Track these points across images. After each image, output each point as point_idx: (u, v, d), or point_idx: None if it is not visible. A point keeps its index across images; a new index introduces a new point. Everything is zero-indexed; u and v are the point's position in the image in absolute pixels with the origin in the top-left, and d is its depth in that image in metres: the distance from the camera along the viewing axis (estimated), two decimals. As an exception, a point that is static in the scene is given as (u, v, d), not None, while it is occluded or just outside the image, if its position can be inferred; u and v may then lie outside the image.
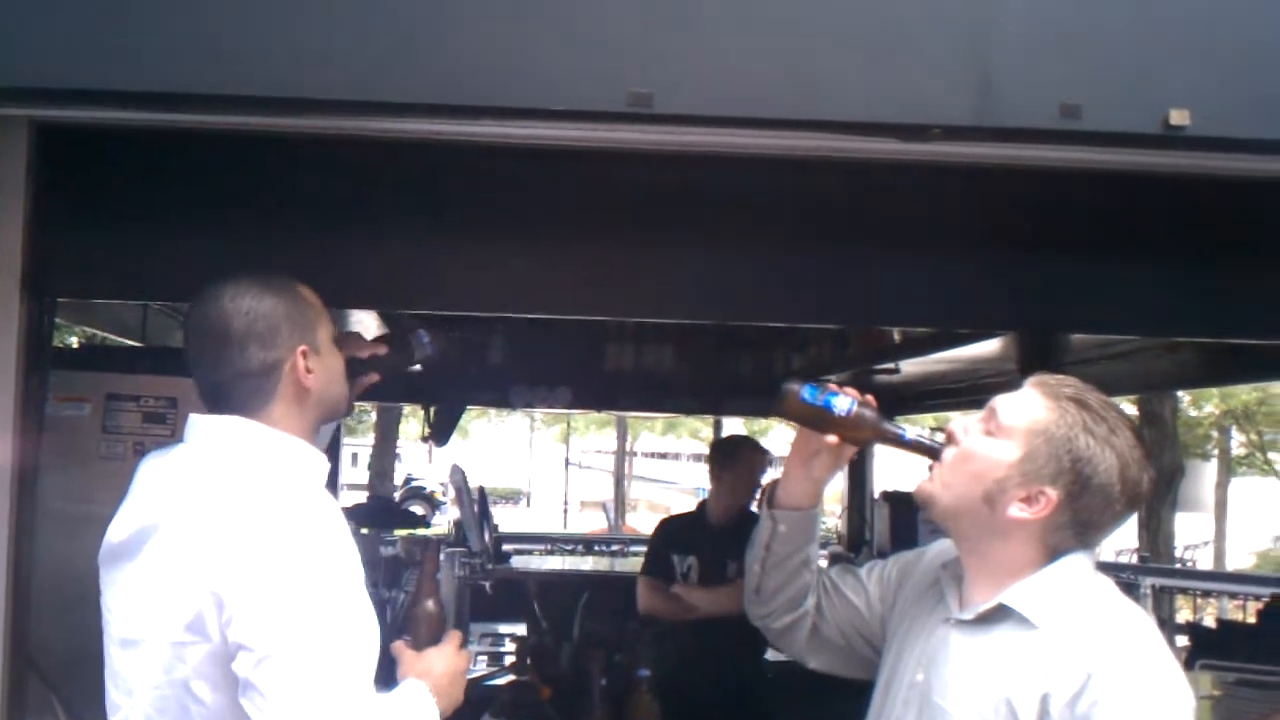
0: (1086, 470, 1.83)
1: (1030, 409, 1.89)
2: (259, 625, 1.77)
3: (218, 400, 2.01)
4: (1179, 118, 2.21)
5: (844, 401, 2.04)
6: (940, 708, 1.87)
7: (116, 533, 1.96)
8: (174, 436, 2.88)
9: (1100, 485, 1.83)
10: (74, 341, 6.44)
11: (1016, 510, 1.85)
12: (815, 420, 2.07)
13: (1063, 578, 1.86)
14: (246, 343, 1.97)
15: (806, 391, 2.05)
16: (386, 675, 2.02)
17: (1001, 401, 1.94)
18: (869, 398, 2.06)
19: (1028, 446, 1.86)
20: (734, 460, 5.00)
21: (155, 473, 2.01)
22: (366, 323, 4.17)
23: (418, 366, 2.52)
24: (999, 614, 1.85)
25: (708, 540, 4.93)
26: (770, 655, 5.32)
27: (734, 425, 24.47)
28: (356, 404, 2.36)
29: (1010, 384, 5.59)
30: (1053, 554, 1.88)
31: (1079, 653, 1.74)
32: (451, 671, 2.10)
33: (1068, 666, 1.73)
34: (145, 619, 1.88)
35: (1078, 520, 1.85)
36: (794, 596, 2.20)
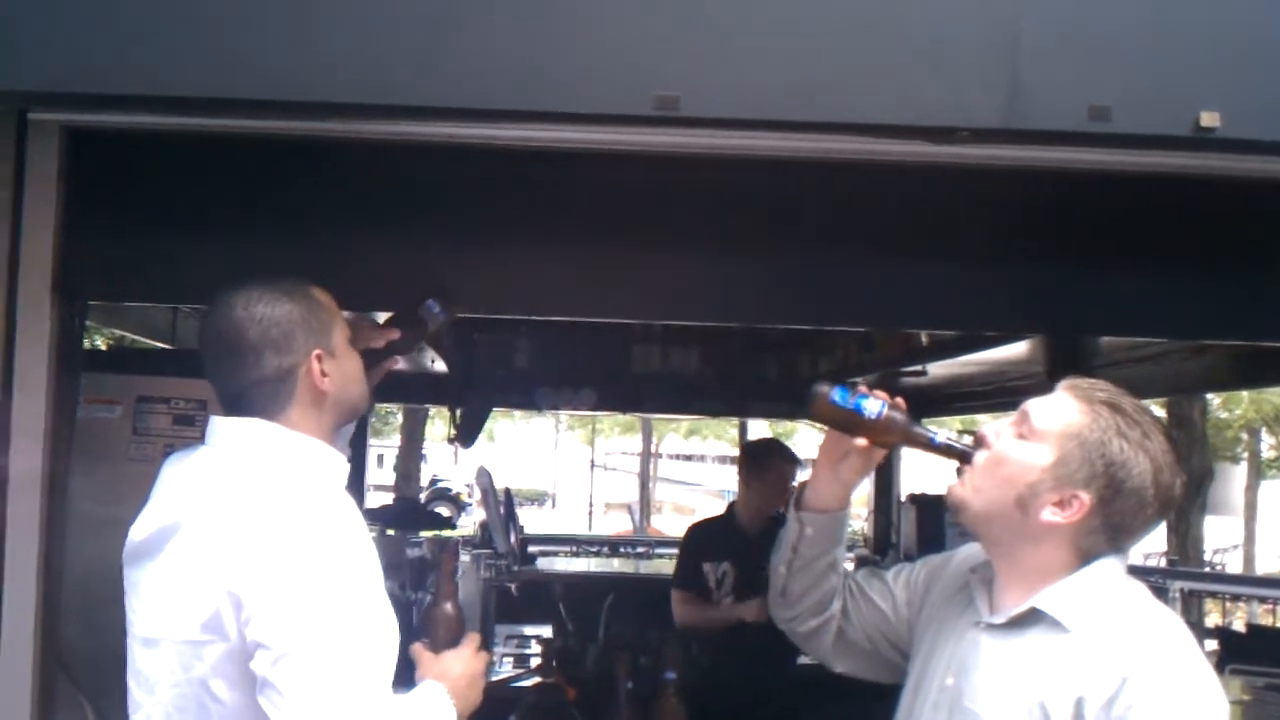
0: (1120, 474, 1.81)
1: (1064, 412, 1.88)
2: (277, 624, 1.79)
3: (237, 405, 2.03)
4: (1209, 119, 2.19)
5: (874, 404, 2.03)
6: (972, 712, 1.86)
7: (139, 532, 1.99)
8: (204, 439, 2.91)
9: (1134, 489, 1.82)
10: (102, 344, 6.48)
11: (1049, 514, 1.84)
12: (845, 423, 2.06)
13: (1095, 581, 1.85)
14: (261, 349, 2.00)
15: (837, 394, 2.04)
16: (406, 677, 2.03)
17: (1034, 405, 1.92)
18: (899, 400, 2.05)
19: (1061, 450, 1.84)
20: (764, 469, 4.98)
21: (177, 473, 2.03)
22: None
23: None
24: (1031, 617, 1.84)
25: (741, 546, 4.92)
26: (801, 659, 5.33)
27: (759, 427, 24.45)
28: (382, 405, 2.38)
29: (1038, 386, 5.55)
30: (1085, 557, 1.87)
31: (1113, 656, 1.73)
32: (469, 673, 2.11)
33: (1102, 670, 1.72)
34: (165, 617, 1.90)
35: (1110, 524, 1.84)
36: (820, 600, 2.20)
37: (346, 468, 2.10)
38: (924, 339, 4.71)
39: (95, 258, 2.64)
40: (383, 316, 2.50)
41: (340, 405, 2.10)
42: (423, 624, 2.36)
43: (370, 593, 1.91)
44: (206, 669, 1.85)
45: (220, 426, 2.03)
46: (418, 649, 2.15)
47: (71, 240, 2.56)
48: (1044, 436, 1.87)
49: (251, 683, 1.81)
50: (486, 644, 3.00)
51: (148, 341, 4.85)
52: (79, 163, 2.53)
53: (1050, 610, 1.82)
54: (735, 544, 4.96)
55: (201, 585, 1.84)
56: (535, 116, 2.25)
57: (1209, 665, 1.78)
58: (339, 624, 1.81)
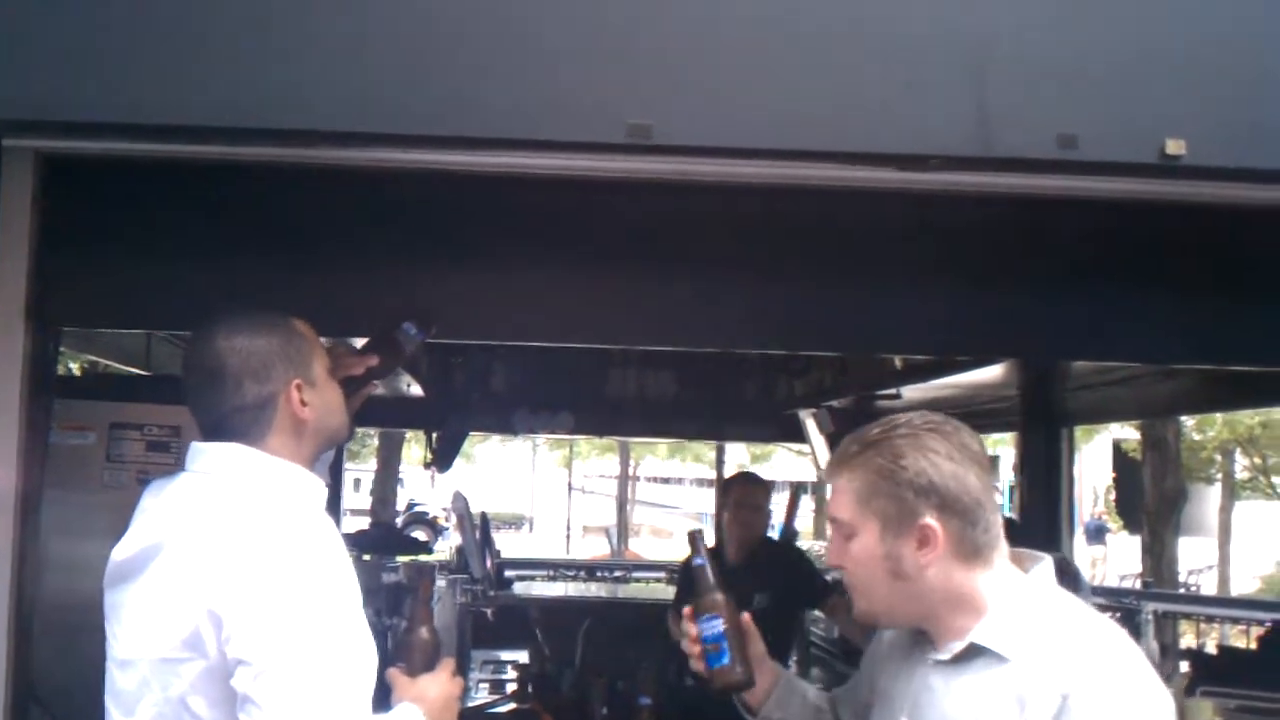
0: (922, 480, 1.83)
1: (847, 493, 1.91)
2: (257, 641, 1.80)
3: (217, 433, 2.05)
4: (1175, 147, 2.22)
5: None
6: None
7: (120, 555, 2.00)
8: (178, 465, 2.90)
9: (945, 482, 1.83)
10: (77, 370, 6.45)
11: (922, 559, 1.85)
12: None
13: (1025, 604, 1.85)
14: (241, 378, 2.02)
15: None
16: (382, 702, 2.04)
17: (831, 508, 1.96)
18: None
19: (874, 514, 1.87)
20: (727, 494, 5.03)
21: (158, 498, 2.04)
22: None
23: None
24: (973, 652, 1.84)
25: (726, 578, 4.92)
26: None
27: (737, 450, 24.47)
28: (359, 429, 2.39)
29: (1011, 410, 5.60)
30: (986, 568, 1.87)
31: (1052, 677, 1.73)
32: (445, 697, 2.13)
33: (1043, 692, 1.72)
34: (144, 636, 1.91)
35: (969, 520, 1.84)
36: None
37: (325, 491, 2.12)
38: (899, 362, 4.74)
39: (69, 283, 2.64)
40: (359, 342, 2.51)
41: (320, 434, 2.12)
42: (399, 649, 2.37)
43: (349, 613, 1.92)
44: (185, 687, 1.86)
45: (200, 452, 2.05)
46: (394, 673, 2.16)
47: (45, 266, 2.56)
48: (856, 520, 1.89)
49: (231, 701, 1.82)
50: (462, 669, 3.00)
51: (122, 367, 4.84)
52: (53, 189, 2.53)
53: (987, 643, 1.82)
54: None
55: (182, 604, 1.85)
56: (511, 144, 2.26)
57: (1149, 670, 1.77)
58: (319, 641, 1.82)
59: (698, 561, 2.33)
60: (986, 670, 1.81)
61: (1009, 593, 1.86)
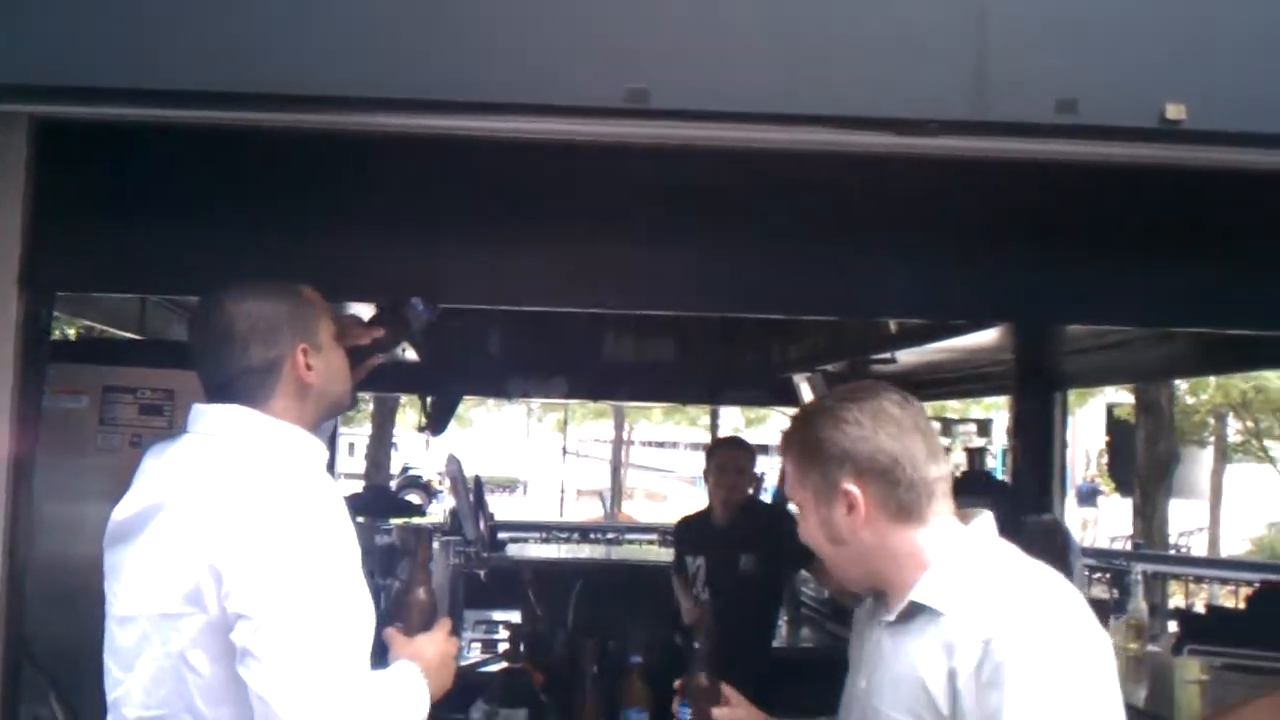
0: (835, 449, 1.94)
1: (788, 475, 2.07)
2: (257, 595, 1.82)
3: (221, 395, 2.07)
4: (1175, 112, 2.21)
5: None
6: (877, 710, 1.92)
7: (121, 515, 2.02)
8: (171, 429, 2.91)
9: (852, 446, 1.93)
10: (71, 334, 6.43)
11: (852, 521, 1.94)
12: None
13: (961, 559, 1.91)
14: (249, 342, 2.06)
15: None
16: (379, 661, 2.06)
17: (787, 494, 2.09)
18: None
19: (808, 489, 1.99)
20: (711, 461, 5.08)
21: (160, 459, 2.06)
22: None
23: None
24: (914, 609, 1.90)
25: (714, 540, 5.00)
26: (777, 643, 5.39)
27: (731, 414, 24.47)
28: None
29: (1006, 374, 5.61)
30: (921, 525, 1.93)
31: (976, 624, 1.78)
32: (441, 655, 2.16)
33: (967, 639, 1.77)
34: (144, 592, 1.93)
35: (888, 479, 1.92)
36: None
37: (326, 454, 2.15)
38: (893, 326, 4.73)
39: (62, 248, 2.63)
40: (366, 313, 2.50)
41: (324, 399, 2.15)
42: (396, 609, 2.41)
43: (348, 571, 1.95)
44: (185, 642, 1.88)
45: (202, 413, 2.08)
46: (391, 632, 2.20)
47: (39, 231, 2.55)
48: (799, 499, 2.03)
49: (230, 655, 1.84)
50: (456, 630, 3.01)
51: (115, 332, 4.83)
52: (47, 153, 2.51)
53: (925, 600, 1.88)
54: (708, 537, 5.05)
55: (183, 559, 1.88)
56: (508, 109, 2.24)
57: (1079, 614, 1.80)
58: (318, 595, 1.85)
59: (696, 645, 2.48)
60: (925, 626, 1.87)
61: (948, 548, 1.92)
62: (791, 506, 2.15)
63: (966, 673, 1.75)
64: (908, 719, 1.84)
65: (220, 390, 2.08)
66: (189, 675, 1.89)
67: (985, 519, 1.98)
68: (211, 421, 2.06)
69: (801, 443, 2.01)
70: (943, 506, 1.96)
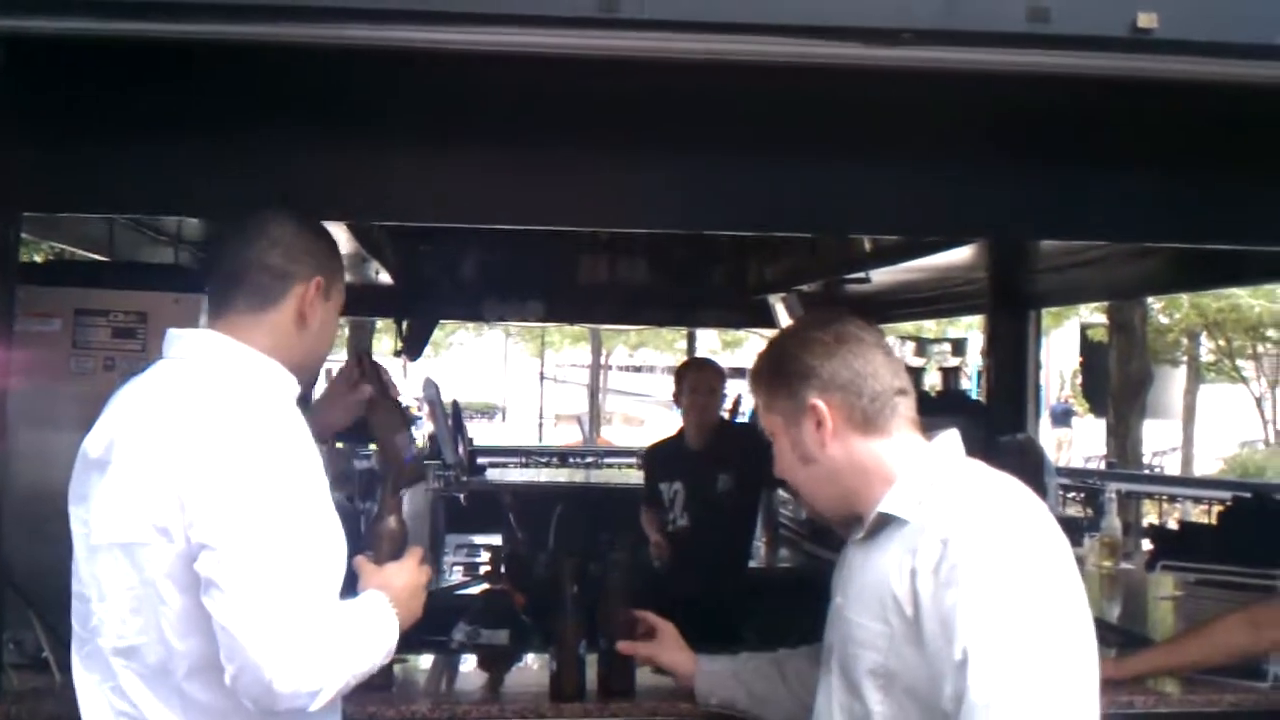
0: (799, 367, 2.02)
1: (759, 405, 2.13)
2: (220, 524, 1.82)
3: (225, 290, 2.08)
4: (1147, 21, 2.20)
5: None
6: (850, 621, 1.97)
7: (91, 441, 2.00)
8: (144, 351, 2.89)
9: (816, 361, 2.01)
10: (38, 258, 6.37)
11: (820, 436, 2.00)
12: None
13: (927, 471, 1.96)
14: (277, 245, 2.09)
15: None
16: (349, 591, 2.06)
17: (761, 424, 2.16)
18: None
19: (778, 413, 2.07)
20: (682, 380, 5.10)
21: (133, 385, 2.04)
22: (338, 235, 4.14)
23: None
24: (882, 521, 1.96)
25: (689, 464, 5.02)
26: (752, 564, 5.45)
27: (708, 337, 24.48)
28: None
29: (980, 293, 5.62)
30: (884, 436, 1.99)
31: (936, 526, 1.84)
32: (411, 585, 2.15)
33: (927, 541, 1.83)
34: (116, 522, 1.92)
35: (851, 391, 1.99)
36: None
37: (297, 388, 2.12)
38: (868, 245, 4.73)
39: (31, 168, 2.60)
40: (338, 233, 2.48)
41: (305, 349, 2.14)
42: (367, 538, 2.39)
43: (313, 502, 1.95)
44: (156, 571, 1.88)
45: (176, 338, 2.06)
46: (360, 561, 2.18)
47: (5, 150, 2.51)
48: (770, 425, 2.10)
49: (197, 586, 1.84)
50: (435, 553, 3.03)
51: (85, 254, 4.78)
52: (11, 70, 2.47)
53: (891, 510, 1.94)
54: (684, 462, 5.07)
55: (150, 488, 1.87)
56: (478, 19, 2.22)
57: (1040, 516, 1.86)
58: (280, 525, 1.84)
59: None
60: (892, 535, 1.93)
61: (913, 461, 1.98)
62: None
63: (926, 571, 1.80)
64: (877, 624, 1.88)
65: (225, 285, 2.08)
66: (159, 606, 1.89)
67: (951, 435, 2.03)
68: (184, 345, 2.04)
69: (770, 370, 2.09)
70: (906, 422, 2.02)
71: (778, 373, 2.06)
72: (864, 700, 1.91)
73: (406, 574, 2.15)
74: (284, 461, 1.90)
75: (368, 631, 1.98)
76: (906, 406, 2.02)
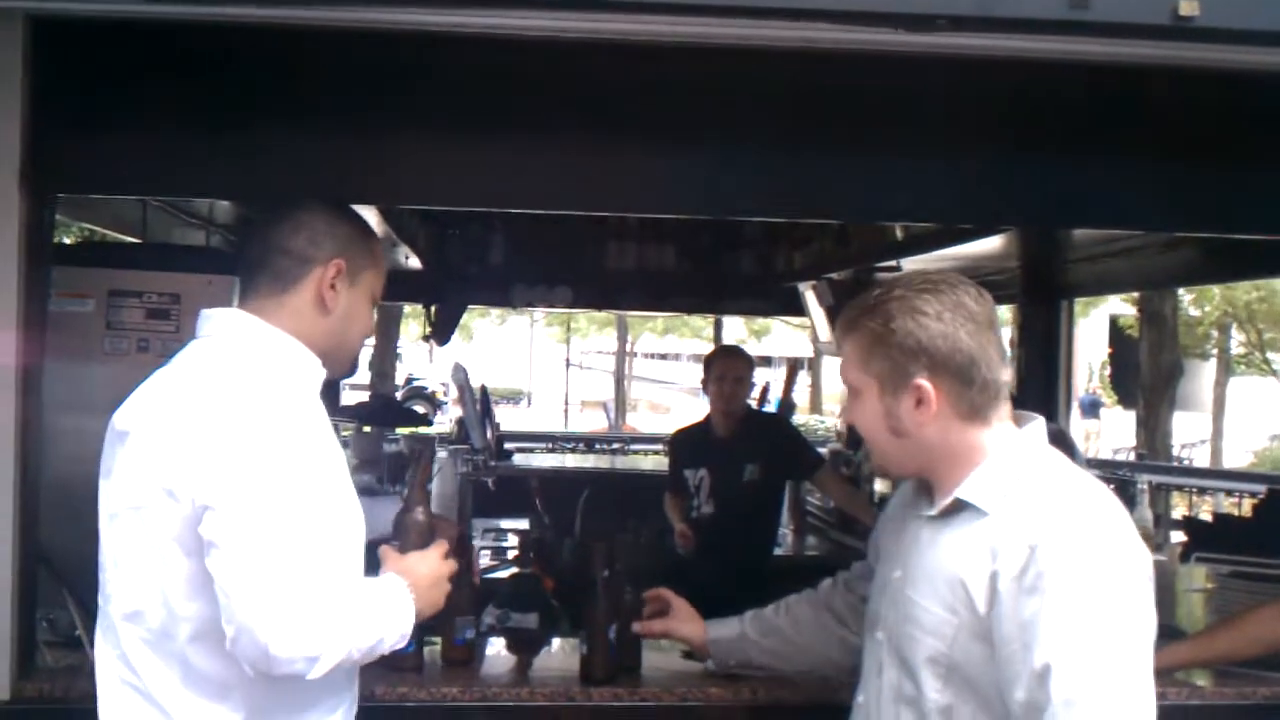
0: (910, 342, 1.90)
1: (849, 357, 2.01)
2: (221, 486, 1.84)
3: (250, 274, 2.11)
4: (1188, 8, 2.17)
5: None
6: (911, 600, 1.93)
7: (118, 418, 2.01)
8: (178, 332, 2.90)
9: (930, 341, 1.89)
10: (70, 240, 6.42)
11: (919, 417, 1.92)
12: None
13: (1010, 462, 1.91)
14: (300, 229, 2.11)
15: None
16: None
17: (841, 370, 2.06)
18: None
19: (873, 375, 1.96)
20: (710, 369, 5.07)
21: (166, 365, 2.06)
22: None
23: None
24: (958, 507, 1.91)
25: (716, 451, 5.01)
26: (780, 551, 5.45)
27: (735, 325, 24.44)
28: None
29: (1010, 281, 5.57)
30: (985, 426, 1.93)
31: (1023, 529, 1.79)
32: (433, 575, 2.14)
33: (1013, 543, 1.78)
34: (129, 487, 1.94)
35: (963, 379, 1.90)
36: (839, 639, 2.42)
37: (322, 372, 2.14)
38: (899, 233, 4.71)
39: (64, 149, 2.61)
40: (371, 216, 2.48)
41: (333, 336, 2.15)
42: (394, 529, 2.39)
43: (325, 476, 1.98)
44: (164, 535, 1.90)
45: (207, 318, 2.10)
46: (385, 550, 2.19)
47: (39, 132, 2.53)
48: (859, 383, 1.99)
49: (201, 550, 1.86)
50: (463, 537, 3.04)
51: (118, 235, 4.81)
52: (45, 52, 2.49)
53: (970, 498, 1.89)
54: (710, 450, 5.06)
55: (161, 452, 1.90)
56: (504, 2, 2.22)
57: (1125, 527, 1.81)
58: (283, 492, 1.86)
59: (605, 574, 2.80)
60: (968, 524, 1.88)
61: (1000, 450, 1.91)
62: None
63: (1009, 576, 1.77)
64: (943, 612, 1.86)
65: (250, 266, 2.11)
66: (164, 570, 1.91)
67: (1038, 424, 1.98)
68: (214, 324, 2.08)
69: (872, 327, 1.94)
70: (1005, 409, 1.96)
71: (880, 335, 1.93)
72: (919, 685, 1.90)
73: (429, 565, 2.15)
74: (294, 433, 1.93)
75: (376, 609, 1.98)
76: (1007, 392, 1.96)
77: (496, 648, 3.02)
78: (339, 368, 2.21)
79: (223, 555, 1.82)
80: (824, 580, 2.52)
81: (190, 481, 1.86)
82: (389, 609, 2.00)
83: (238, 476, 1.84)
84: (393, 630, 1.99)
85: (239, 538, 1.82)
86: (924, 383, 1.90)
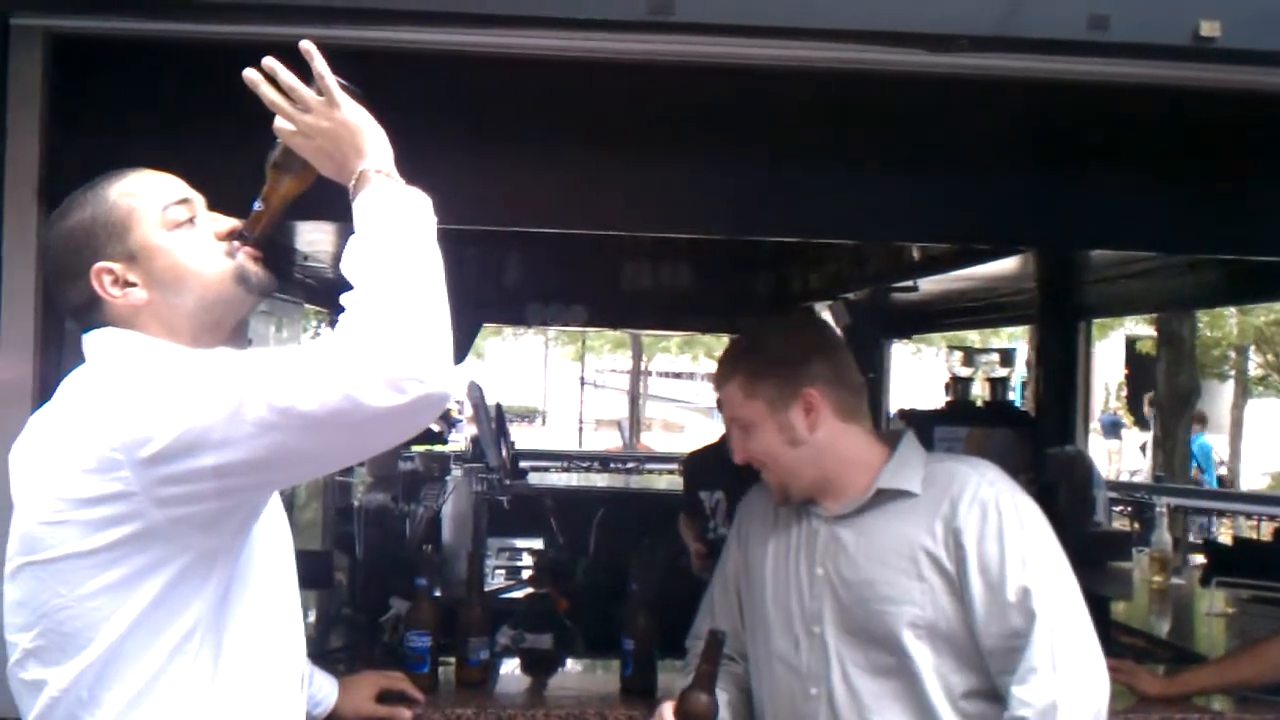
0: (794, 356, 2.24)
1: (732, 400, 2.30)
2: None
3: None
4: (1209, 29, 2.17)
5: None
6: (868, 582, 2.15)
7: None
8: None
9: (806, 351, 2.25)
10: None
11: (811, 421, 2.22)
12: None
13: (911, 456, 2.23)
14: (58, 278, 1.76)
15: None
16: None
17: (725, 413, 2.35)
18: None
19: (762, 400, 2.24)
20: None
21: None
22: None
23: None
24: (877, 498, 2.19)
25: (731, 473, 4.96)
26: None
27: (749, 345, 24.28)
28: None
29: (1028, 303, 5.55)
30: (858, 426, 2.26)
31: (968, 493, 2.12)
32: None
33: (965, 505, 2.11)
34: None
35: (839, 381, 2.24)
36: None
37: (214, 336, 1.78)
38: (916, 254, 4.70)
39: (82, 165, 2.61)
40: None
41: (186, 304, 1.74)
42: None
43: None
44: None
45: (83, 341, 1.76)
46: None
47: (57, 147, 2.54)
48: (748, 415, 2.27)
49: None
50: (478, 555, 3.03)
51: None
52: (63, 68, 2.49)
53: (894, 486, 2.18)
54: (726, 472, 4.99)
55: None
56: (527, 22, 2.22)
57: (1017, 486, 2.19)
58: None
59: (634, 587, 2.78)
60: (901, 505, 2.17)
61: (897, 454, 2.23)
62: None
63: (971, 532, 2.08)
64: (911, 581, 2.11)
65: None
66: None
67: (910, 433, 2.30)
68: (86, 349, 1.74)
69: (753, 360, 2.26)
70: (866, 415, 2.30)
71: (762, 363, 2.24)
72: (899, 651, 2.11)
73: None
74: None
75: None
76: (864, 396, 2.31)
77: (511, 668, 3.01)
78: (239, 303, 1.81)
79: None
80: (692, 665, 2.33)
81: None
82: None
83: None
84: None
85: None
86: (810, 389, 2.20)
